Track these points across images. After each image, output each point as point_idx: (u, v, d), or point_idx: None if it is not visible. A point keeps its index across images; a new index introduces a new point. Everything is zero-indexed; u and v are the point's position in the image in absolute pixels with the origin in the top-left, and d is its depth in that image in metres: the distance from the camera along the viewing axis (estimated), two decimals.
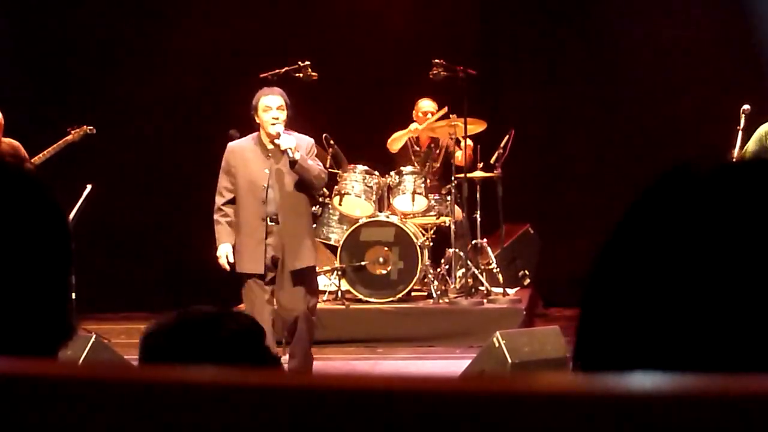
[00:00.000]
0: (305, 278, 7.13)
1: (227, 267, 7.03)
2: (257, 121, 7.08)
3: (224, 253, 7.02)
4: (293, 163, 6.94)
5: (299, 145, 7.04)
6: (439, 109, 9.67)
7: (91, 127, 8.96)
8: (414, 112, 9.91)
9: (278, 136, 6.94)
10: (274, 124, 6.94)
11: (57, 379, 0.73)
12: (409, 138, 9.91)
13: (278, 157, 7.02)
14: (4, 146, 8.16)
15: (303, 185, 7.06)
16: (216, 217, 7.10)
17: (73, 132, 8.90)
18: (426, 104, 9.85)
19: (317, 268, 9.59)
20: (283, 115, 6.97)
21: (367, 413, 0.69)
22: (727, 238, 0.89)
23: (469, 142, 9.48)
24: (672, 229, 0.91)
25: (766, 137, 7.66)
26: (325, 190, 9.51)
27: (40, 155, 8.65)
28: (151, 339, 1.97)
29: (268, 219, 6.99)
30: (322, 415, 0.69)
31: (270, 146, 7.05)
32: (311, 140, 7.27)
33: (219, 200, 7.12)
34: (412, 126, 9.75)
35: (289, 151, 6.92)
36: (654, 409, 0.67)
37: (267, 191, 6.98)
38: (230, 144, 7.23)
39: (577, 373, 0.94)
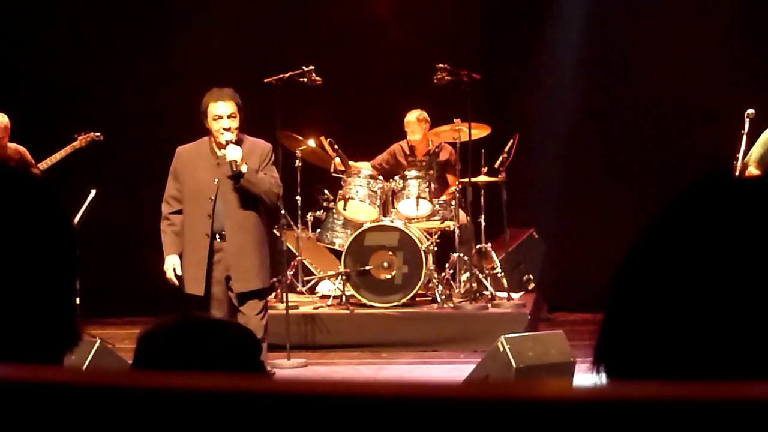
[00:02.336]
0: (253, 302, 6.52)
1: (175, 281, 6.50)
2: (207, 126, 6.49)
3: (170, 265, 6.46)
4: (237, 177, 6.35)
5: (253, 151, 6.48)
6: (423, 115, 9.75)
7: (98, 134, 8.96)
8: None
9: (227, 145, 6.38)
10: (224, 134, 6.36)
11: (62, 384, 0.74)
12: (400, 148, 9.93)
13: (228, 167, 6.43)
14: (10, 151, 8.17)
15: (254, 200, 6.46)
16: (162, 226, 6.55)
17: (79, 138, 8.89)
18: (407, 117, 9.84)
19: (323, 272, 9.66)
20: (234, 123, 6.36)
21: (371, 419, 0.69)
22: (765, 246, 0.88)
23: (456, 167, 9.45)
24: (710, 234, 0.90)
25: None
26: (329, 194, 9.52)
27: (47, 161, 8.64)
28: (147, 340, 1.97)
29: (217, 236, 6.41)
30: (325, 422, 0.69)
31: (220, 153, 6.47)
32: (269, 146, 6.67)
33: (165, 209, 6.55)
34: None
35: (233, 164, 6.33)
36: (658, 416, 0.67)
37: (214, 204, 6.40)
38: (179, 148, 6.67)
39: (600, 374, 0.93)
